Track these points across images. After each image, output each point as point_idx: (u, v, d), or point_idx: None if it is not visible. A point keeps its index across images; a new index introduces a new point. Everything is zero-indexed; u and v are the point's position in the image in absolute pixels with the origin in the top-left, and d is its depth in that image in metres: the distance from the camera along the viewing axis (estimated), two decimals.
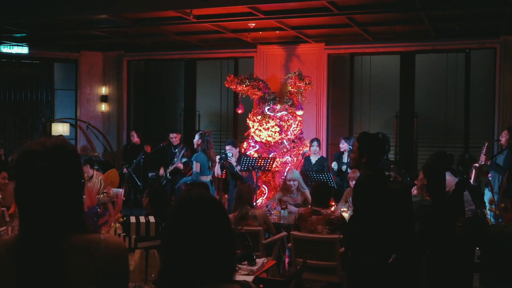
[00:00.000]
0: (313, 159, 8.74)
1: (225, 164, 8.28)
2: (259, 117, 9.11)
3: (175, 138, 9.72)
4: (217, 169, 8.54)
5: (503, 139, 7.66)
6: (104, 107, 12.18)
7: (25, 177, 1.61)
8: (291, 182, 7.32)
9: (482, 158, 7.45)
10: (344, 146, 8.55)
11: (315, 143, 8.75)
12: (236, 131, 11.17)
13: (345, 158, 8.50)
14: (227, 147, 8.36)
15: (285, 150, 9.15)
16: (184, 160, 9.47)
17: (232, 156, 8.29)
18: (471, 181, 7.20)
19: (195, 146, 8.41)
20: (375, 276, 3.81)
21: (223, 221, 1.69)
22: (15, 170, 1.64)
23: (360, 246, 3.84)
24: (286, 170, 8.98)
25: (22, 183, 1.62)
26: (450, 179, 5.27)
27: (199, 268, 1.61)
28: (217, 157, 8.47)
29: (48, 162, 1.60)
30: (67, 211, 1.62)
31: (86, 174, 7.84)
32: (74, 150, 1.69)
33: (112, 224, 3.64)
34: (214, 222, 1.66)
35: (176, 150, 9.62)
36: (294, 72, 9.11)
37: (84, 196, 3.87)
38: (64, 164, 1.63)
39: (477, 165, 7.26)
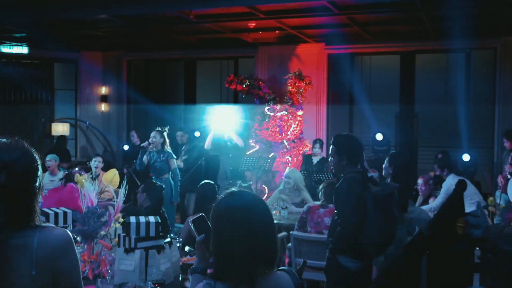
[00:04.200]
0: (315, 159, 8.70)
1: None
2: (259, 117, 9.12)
3: (181, 136, 9.56)
4: None
5: (507, 145, 7.64)
6: (104, 107, 12.17)
7: None
8: (286, 179, 7.13)
9: (508, 167, 6.97)
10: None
11: (317, 144, 8.65)
12: None
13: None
14: None
15: (285, 150, 9.15)
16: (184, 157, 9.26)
17: None
18: (500, 191, 7.03)
19: (148, 144, 7.77)
20: (354, 278, 3.78)
21: (270, 218, 1.85)
22: None
23: (341, 248, 3.80)
24: (286, 170, 8.97)
25: None
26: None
27: (254, 261, 1.75)
28: None
29: (2, 177, 1.63)
30: (15, 214, 1.64)
31: (92, 171, 7.79)
32: (30, 162, 1.70)
33: (112, 224, 3.64)
34: (265, 221, 1.82)
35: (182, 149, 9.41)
36: (294, 72, 9.11)
37: (80, 195, 3.85)
38: (18, 177, 1.65)
39: (508, 175, 6.86)
